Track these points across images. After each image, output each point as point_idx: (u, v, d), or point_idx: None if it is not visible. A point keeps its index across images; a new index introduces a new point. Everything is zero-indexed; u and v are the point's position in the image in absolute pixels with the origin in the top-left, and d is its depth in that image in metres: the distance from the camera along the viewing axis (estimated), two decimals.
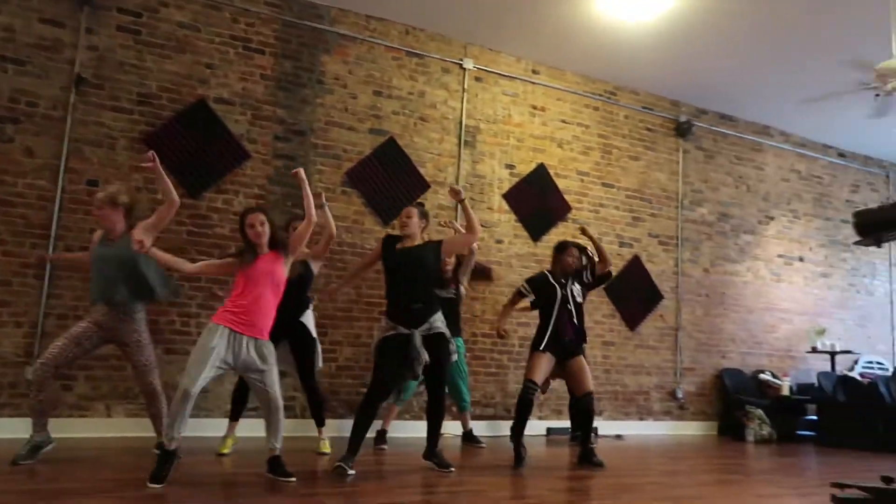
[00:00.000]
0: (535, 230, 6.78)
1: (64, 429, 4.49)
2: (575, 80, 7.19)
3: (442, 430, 4.32)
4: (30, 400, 3.86)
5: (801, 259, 8.56)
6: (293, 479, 3.51)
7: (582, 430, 4.86)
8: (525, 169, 6.79)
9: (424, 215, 4.31)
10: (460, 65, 6.56)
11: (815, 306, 8.53)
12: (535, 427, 6.30)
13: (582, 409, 4.72)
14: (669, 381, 7.39)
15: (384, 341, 4.01)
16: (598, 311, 6.94)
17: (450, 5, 6.02)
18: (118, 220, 3.99)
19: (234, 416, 4.57)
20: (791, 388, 7.57)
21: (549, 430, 6.48)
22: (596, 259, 4.96)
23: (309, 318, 4.67)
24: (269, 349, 3.65)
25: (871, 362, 8.73)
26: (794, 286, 8.41)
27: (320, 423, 4.70)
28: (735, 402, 7.35)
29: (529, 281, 4.94)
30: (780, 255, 8.39)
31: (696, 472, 4.88)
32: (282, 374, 5.08)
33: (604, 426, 6.64)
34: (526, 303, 5.15)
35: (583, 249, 4.96)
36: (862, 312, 8.94)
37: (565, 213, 6.95)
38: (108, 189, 4.08)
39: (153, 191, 5.19)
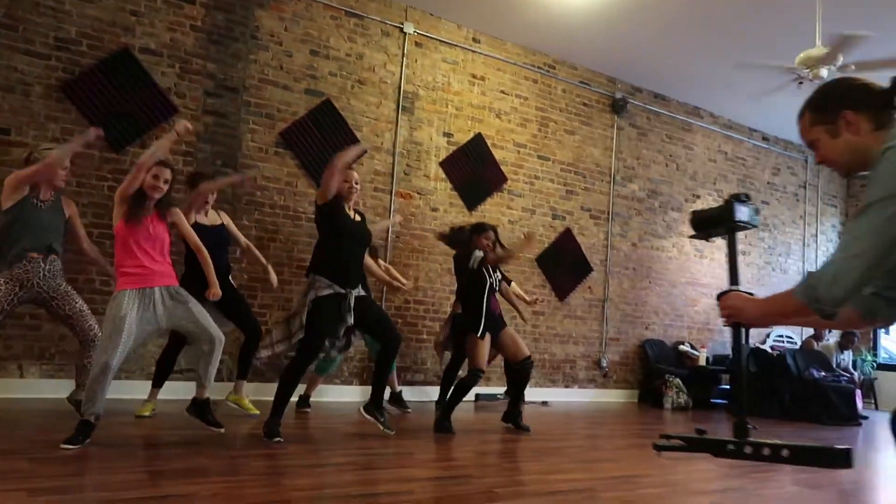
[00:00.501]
0: (471, 199, 6.80)
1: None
2: (515, 51, 7.19)
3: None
4: None
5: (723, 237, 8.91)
6: (222, 428, 3.43)
7: (515, 392, 5.04)
8: (463, 138, 6.78)
9: None
10: (401, 28, 6.45)
11: (754, 280, 8.93)
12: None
13: (523, 373, 4.91)
14: (595, 351, 7.62)
15: (320, 300, 3.90)
16: (529, 282, 7.06)
17: None
18: (64, 179, 3.97)
19: (158, 382, 4.42)
20: (707, 359, 7.97)
21: (477, 395, 6.59)
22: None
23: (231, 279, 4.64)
24: (183, 292, 3.56)
25: (781, 336, 9.27)
26: (715, 263, 8.78)
27: (244, 376, 4.60)
28: (656, 371, 7.67)
29: (457, 258, 5.02)
30: None
31: (615, 437, 5.08)
32: None
33: (530, 392, 6.78)
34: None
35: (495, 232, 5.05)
36: (776, 289, 9.17)
37: (501, 183, 7.00)
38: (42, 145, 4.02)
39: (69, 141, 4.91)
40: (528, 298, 5.76)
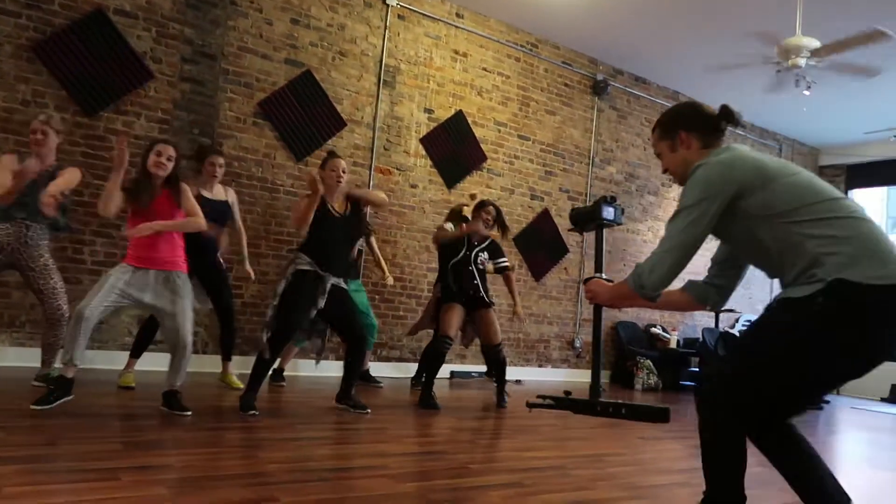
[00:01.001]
0: (450, 177, 6.77)
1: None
2: (499, 28, 7.13)
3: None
4: None
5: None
6: (188, 412, 3.42)
7: (496, 374, 5.08)
8: (443, 114, 6.73)
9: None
10: (384, 0, 6.35)
11: (706, 268, 9.04)
12: (440, 371, 6.42)
13: (493, 359, 4.97)
14: (569, 331, 7.70)
15: (298, 274, 3.88)
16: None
17: None
18: (52, 148, 3.88)
19: (136, 353, 4.35)
20: (678, 342, 8.11)
21: (452, 373, 6.63)
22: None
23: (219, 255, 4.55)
24: (182, 280, 3.51)
25: (750, 320, 9.46)
26: None
27: (228, 358, 4.62)
28: (627, 352, 7.78)
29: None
30: None
31: (587, 417, 5.15)
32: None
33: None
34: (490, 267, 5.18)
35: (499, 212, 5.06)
36: (745, 275, 9.57)
37: (480, 162, 6.97)
38: (48, 112, 3.88)
39: (42, 105, 4.77)
40: (517, 302, 5.40)
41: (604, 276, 2.38)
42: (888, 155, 9.59)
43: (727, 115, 2.14)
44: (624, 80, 8.20)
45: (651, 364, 7.55)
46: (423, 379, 4.75)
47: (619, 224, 2.67)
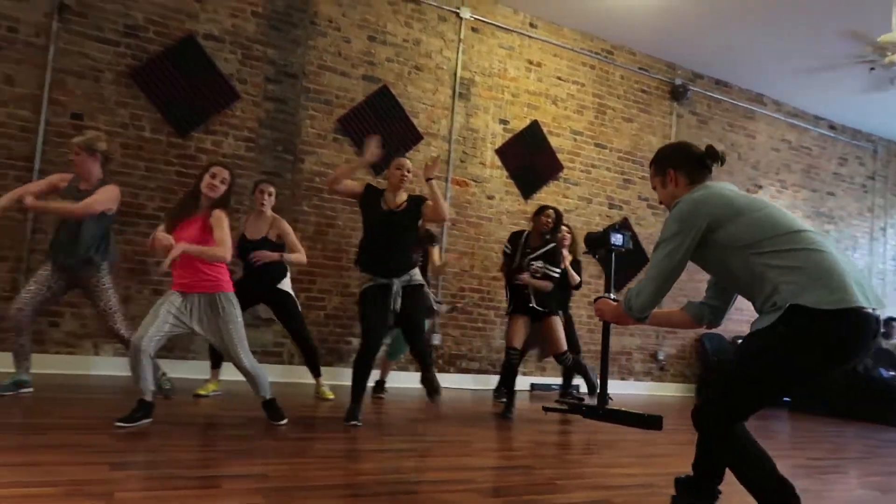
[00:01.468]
0: (526, 188, 6.73)
1: (51, 365, 4.45)
2: (573, 36, 7.06)
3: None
4: (12, 344, 3.82)
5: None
6: (285, 421, 3.51)
7: (563, 381, 5.15)
8: (519, 125, 6.71)
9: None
10: (457, 14, 6.40)
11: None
12: (520, 383, 6.35)
13: (562, 367, 5.02)
14: (652, 344, 7.49)
15: (364, 294, 3.95)
16: (584, 272, 6.95)
17: None
18: (94, 168, 3.86)
19: (215, 364, 4.53)
20: None
21: (532, 385, 6.56)
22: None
23: (286, 284, 4.61)
24: (226, 301, 3.41)
25: None
26: None
27: (317, 374, 4.71)
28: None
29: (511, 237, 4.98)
30: None
31: (674, 432, 4.97)
32: (269, 321, 5.07)
33: (585, 384, 6.73)
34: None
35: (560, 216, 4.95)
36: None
37: (557, 171, 6.90)
38: (86, 134, 3.94)
39: (140, 127, 5.05)
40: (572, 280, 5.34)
41: (612, 295, 2.67)
42: None
43: (712, 155, 2.37)
44: (704, 84, 7.95)
45: None
46: (504, 391, 4.73)
47: (630, 248, 2.97)
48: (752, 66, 7.64)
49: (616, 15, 6.64)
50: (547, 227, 4.74)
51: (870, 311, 1.98)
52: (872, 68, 6.03)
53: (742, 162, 8.28)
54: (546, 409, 3.01)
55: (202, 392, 4.35)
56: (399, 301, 3.90)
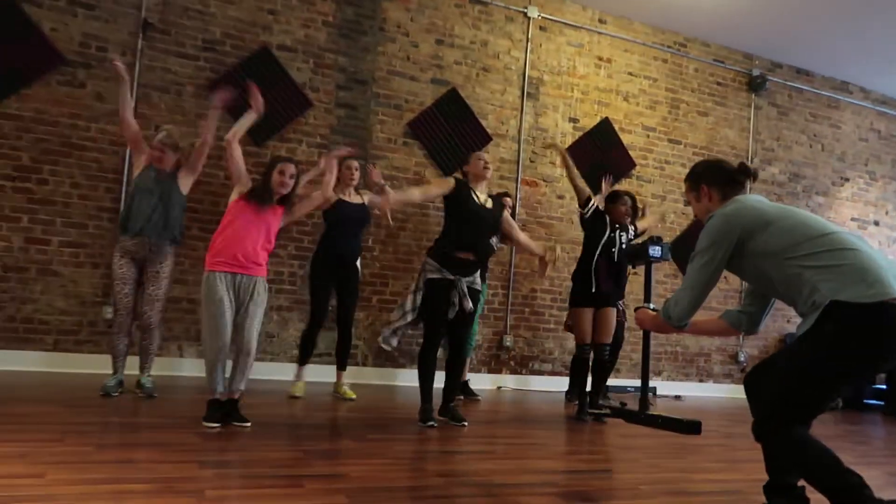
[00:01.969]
0: (597, 186, 6.59)
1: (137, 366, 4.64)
2: (644, 30, 6.90)
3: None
4: (140, 345, 4.09)
5: (876, 223, 8.17)
6: (248, 424, 3.35)
7: (594, 379, 4.69)
8: (589, 123, 6.60)
9: None
10: (524, 13, 6.35)
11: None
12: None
13: (599, 359, 4.63)
14: (732, 345, 7.21)
15: (430, 282, 3.85)
16: (660, 271, 6.78)
17: None
18: (172, 159, 4.12)
19: (302, 361, 4.60)
20: None
21: (606, 387, 6.41)
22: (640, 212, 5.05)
23: (358, 263, 4.71)
24: (262, 287, 3.48)
25: None
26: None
27: (342, 367, 4.69)
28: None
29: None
30: (853, 219, 8.03)
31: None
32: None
33: (663, 386, 6.56)
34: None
35: (633, 199, 4.87)
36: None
37: (629, 169, 6.75)
38: (168, 130, 4.14)
39: (218, 138, 5.21)
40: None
41: (651, 305, 2.76)
42: None
43: (744, 171, 2.49)
44: (783, 74, 7.62)
45: None
46: (578, 392, 4.64)
47: (667, 259, 3.13)
48: (834, 53, 7.26)
49: (688, 6, 6.45)
50: (627, 215, 4.72)
51: None
52: None
53: (827, 153, 7.88)
54: (589, 414, 3.08)
55: (297, 393, 4.44)
56: (468, 302, 3.85)
